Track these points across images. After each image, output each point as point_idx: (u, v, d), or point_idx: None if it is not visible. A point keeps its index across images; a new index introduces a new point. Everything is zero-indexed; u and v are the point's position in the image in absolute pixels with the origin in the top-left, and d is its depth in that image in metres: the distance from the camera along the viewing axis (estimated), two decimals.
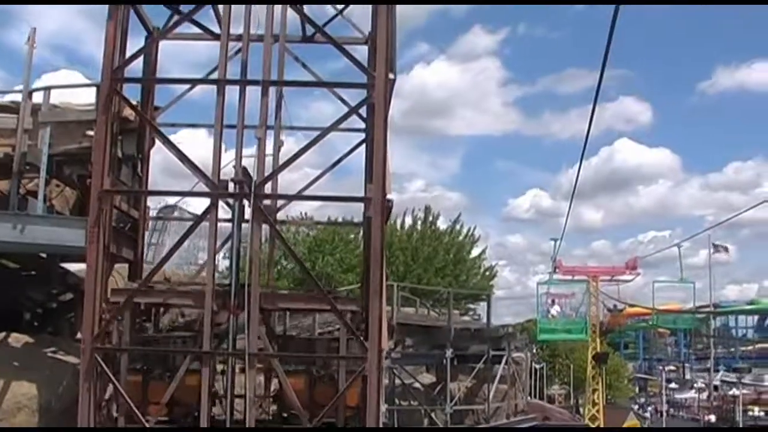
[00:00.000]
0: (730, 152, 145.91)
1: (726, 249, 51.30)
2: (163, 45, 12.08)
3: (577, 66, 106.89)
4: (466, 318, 31.97)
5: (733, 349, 66.24)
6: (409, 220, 38.53)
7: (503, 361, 23.52)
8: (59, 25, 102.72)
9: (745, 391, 46.02)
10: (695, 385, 55.11)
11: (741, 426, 42.05)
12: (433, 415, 21.52)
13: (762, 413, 44.75)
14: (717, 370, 55.35)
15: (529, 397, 29.65)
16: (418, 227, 38.12)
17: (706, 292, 56.86)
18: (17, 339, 11.84)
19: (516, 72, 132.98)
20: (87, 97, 11.47)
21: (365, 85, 10.12)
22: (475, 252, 39.86)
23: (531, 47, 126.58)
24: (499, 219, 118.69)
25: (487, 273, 40.26)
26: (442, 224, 39.38)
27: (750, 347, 64.33)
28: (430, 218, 39.13)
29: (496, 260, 58.49)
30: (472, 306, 38.25)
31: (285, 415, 10.30)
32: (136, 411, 9.35)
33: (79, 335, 9.83)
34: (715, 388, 52.38)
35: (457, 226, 39.39)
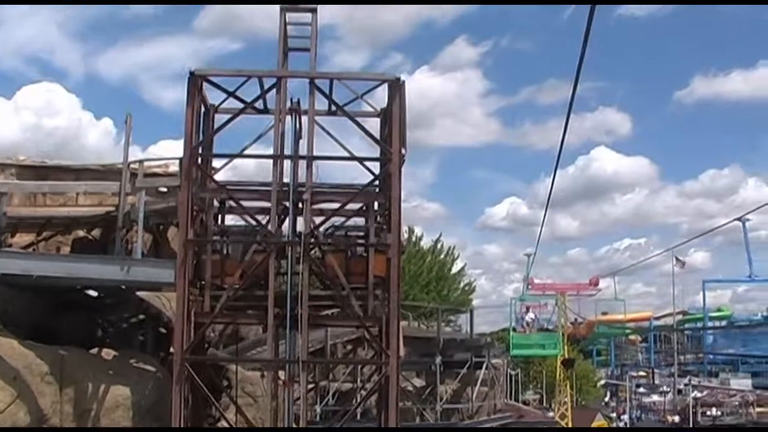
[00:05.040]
0: (706, 160, 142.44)
1: (683, 264, 56.54)
2: None
3: (559, 77, 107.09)
4: (448, 329, 35.44)
5: (701, 355, 70.29)
6: None
7: (484, 366, 26.95)
8: (32, 34, 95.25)
9: (701, 394, 49.81)
10: (661, 389, 58.54)
11: (700, 426, 45.53)
12: (424, 413, 24.93)
13: (719, 413, 48.31)
14: (684, 375, 59.27)
15: (506, 399, 33.16)
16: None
17: (681, 299, 61.73)
18: (107, 353, 14.90)
19: (498, 83, 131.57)
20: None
21: (382, 159, 13.55)
22: (455, 268, 43.67)
23: (513, 58, 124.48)
24: (475, 228, 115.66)
25: (467, 288, 44.05)
26: (424, 243, 43.17)
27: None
28: (414, 238, 42.77)
29: (473, 269, 61.96)
30: (452, 318, 41.86)
31: (328, 282, 12.99)
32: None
33: (171, 349, 12.94)
34: (680, 391, 56.01)
35: (439, 245, 43.19)
